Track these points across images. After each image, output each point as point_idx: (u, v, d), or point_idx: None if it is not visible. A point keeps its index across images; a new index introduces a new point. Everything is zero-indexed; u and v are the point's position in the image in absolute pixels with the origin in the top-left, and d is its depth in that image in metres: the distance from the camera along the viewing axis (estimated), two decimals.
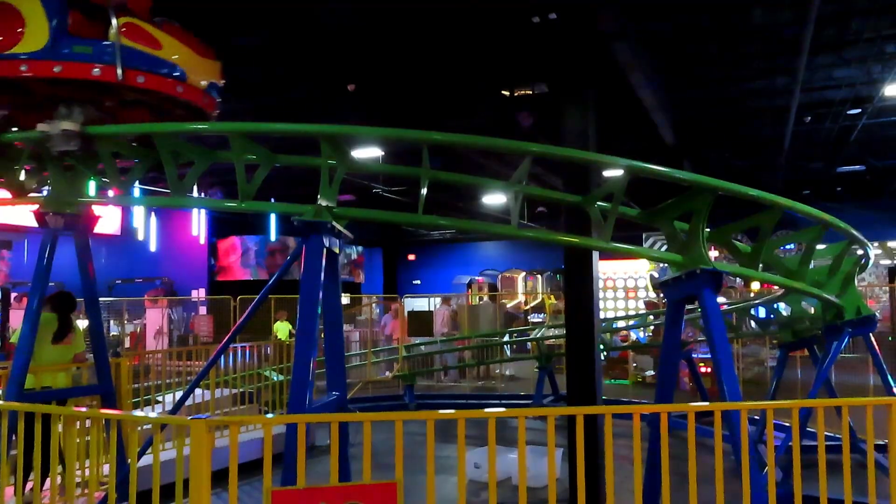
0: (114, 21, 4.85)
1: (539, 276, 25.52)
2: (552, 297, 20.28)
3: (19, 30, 4.81)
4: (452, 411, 3.58)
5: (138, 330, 17.67)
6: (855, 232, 6.09)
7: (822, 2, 7.97)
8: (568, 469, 6.48)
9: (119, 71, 4.80)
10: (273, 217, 22.31)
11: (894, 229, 21.41)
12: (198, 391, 7.41)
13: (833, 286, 6.49)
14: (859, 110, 13.32)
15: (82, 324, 7.07)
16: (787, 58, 10.29)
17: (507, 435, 7.45)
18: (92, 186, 6.72)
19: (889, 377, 6.64)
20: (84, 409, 5.31)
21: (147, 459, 4.38)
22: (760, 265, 5.50)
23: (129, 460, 3.93)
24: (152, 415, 5.54)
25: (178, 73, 5.12)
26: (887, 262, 20.96)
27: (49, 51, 4.78)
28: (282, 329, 14.61)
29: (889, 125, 14.64)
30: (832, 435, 6.51)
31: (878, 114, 13.56)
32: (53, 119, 4.98)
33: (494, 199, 18.81)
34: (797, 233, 6.21)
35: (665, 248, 5.61)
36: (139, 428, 5.52)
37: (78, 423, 4.34)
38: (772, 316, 8.75)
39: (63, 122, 4.94)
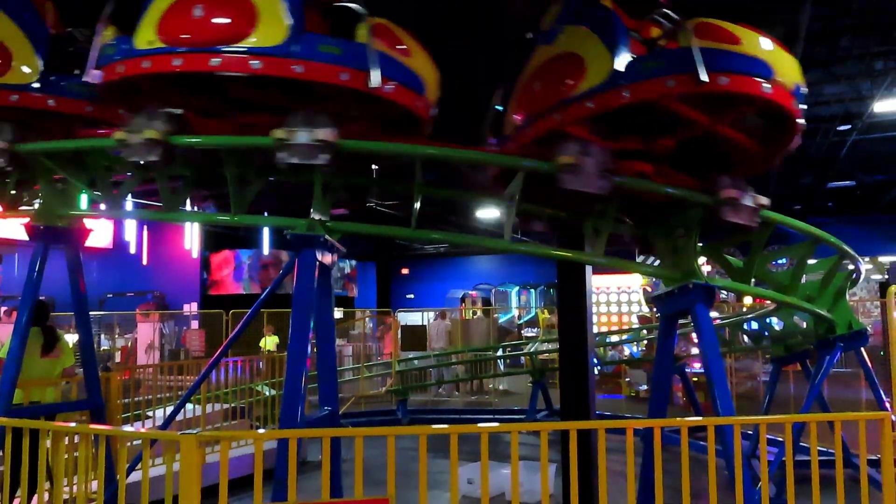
0: (687, 27, 4.11)
1: (533, 291, 25.54)
2: (546, 311, 20.28)
3: None
4: (445, 426, 3.56)
5: (129, 344, 17.54)
6: (846, 247, 6.13)
7: (811, 19, 8.07)
8: (561, 484, 6.47)
9: (702, 74, 3.89)
10: (266, 231, 22.28)
11: (885, 244, 21.55)
12: (189, 406, 7.35)
13: (824, 301, 6.52)
14: (849, 126, 13.44)
15: (72, 338, 7.02)
16: None
17: (501, 450, 7.41)
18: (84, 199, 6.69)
19: (881, 391, 6.65)
20: (73, 425, 5.26)
21: (136, 476, 4.33)
22: (752, 280, 5.52)
23: (118, 476, 3.89)
24: (142, 430, 5.50)
25: (765, 71, 4.13)
26: (878, 276, 21.08)
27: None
28: (269, 343, 14.58)
29: (879, 141, 14.78)
30: (825, 450, 6.51)
31: (867, 130, 13.69)
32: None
33: (488, 213, 18.85)
34: (789, 248, 6.24)
35: (658, 262, 5.63)
36: (129, 443, 5.46)
37: (66, 438, 4.30)
38: (766, 332, 8.77)
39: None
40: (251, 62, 3.98)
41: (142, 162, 4.55)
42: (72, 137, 5.42)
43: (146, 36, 4.16)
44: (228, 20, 4.06)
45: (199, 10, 4.08)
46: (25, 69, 4.96)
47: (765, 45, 4.25)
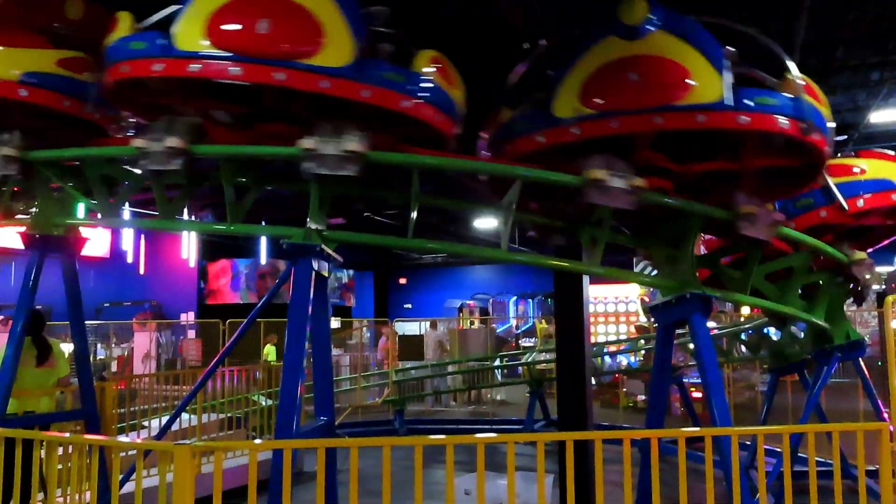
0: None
1: (530, 301, 25.51)
2: (544, 321, 20.24)
3: None
4: (441, 437, 3.55)
5: (126, 353, 17.48)
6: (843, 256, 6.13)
7: (807, 30, 8.11)
8: (559, 495, 6.43)
9: (844, 203, 5.74)
10: (263, 240, 22.25)
11: (882, 255, 21.54)
12: (185, 416, 7.31)
13: (822, 311, 6.50)
14: (845, 137, 13.48)
15: (68, 347, 6.98)
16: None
17: (498, 461, 7.37)
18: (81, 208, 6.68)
19: (879, 402, 6.63)
20: (66, 435, 5.23)
21: (130, 486, 4.30)
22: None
23: (112, 487, 3.86)
24: (137, 440, 5.46)
25: (891, 185, 5.91)
26: (876, 287, 21.05)
27: None
28: (272, 352, 14.52)
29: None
30: (823, 460, 6.48)
31: (864, 140, 13.73)
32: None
33: (486, 222, 18.85)
34: (786, 258, 6.24)
35: (655, 272, 5.62)
36: (123, 454, 5.42)
37: (60, 448, 4.26)
38: (763, 342, 8.75)
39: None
40: (697, 117, 4.36)
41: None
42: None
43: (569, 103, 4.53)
44: (673, 80, 4.43)
45: (631, 75, 4.47)
46: (339, 50, 4.09)
47: (884, 168, 5.98)
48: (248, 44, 4.00)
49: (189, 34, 4.05)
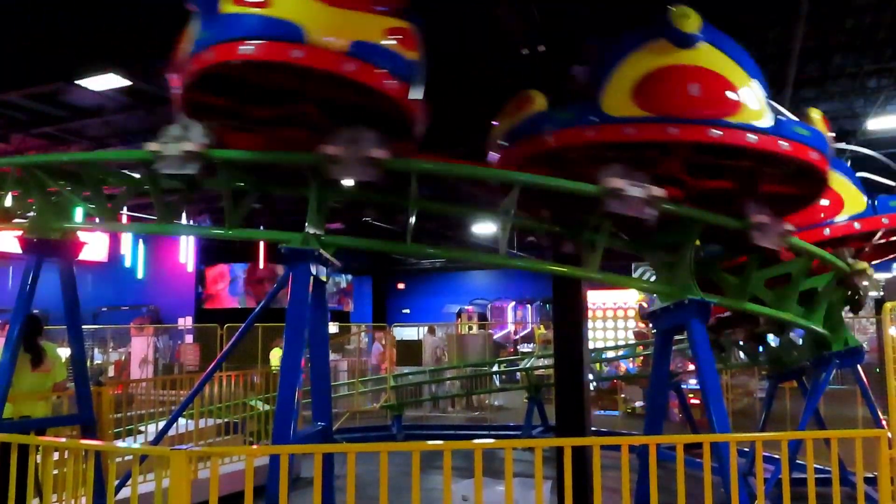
0: None
1: (529, 306, 25.51)
2: (542, 326, 20.21)
3: None
4: (439, 442, 3.54)
5: (123, 358, 17.45)
6: (841, 263, 6.13)
7: (805, 37, 8.14)
8: (556, 501, 6.41)
9: None
10: (261, 245, 22.25)
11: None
12: (181, 421, 7.29)
13: (820, 317, 6.50)
14: (843, 144, 13.51)
15: (65, 352, 6.96)
16: (771, 92, 10.46)
17: (496, 466, 7.36)
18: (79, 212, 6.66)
19: (877, 409, 6.62)
20: (62, 440, 5.21)
21: (126, 492, 4.28)
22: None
23: (108, 492, 3.84)
24: (133, 445, 5.45)
25: None
26: (874, 293, 21.04)
27: None
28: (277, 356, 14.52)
29: (872, 158, 14.82)
30: (821, 467, 6.47)
31: (861, 147, 13.77)
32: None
33: (484, 228, 18.86)
34: (784, 264, 6.24)
35: (653, 277, 5.62)
36: (119, 459, 5.40)
37: (56, 453, 4.25)
38: (761, 349, 8.73)
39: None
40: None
41: None
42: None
43: None
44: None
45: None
46: (754, 109, 4.39)
47: None
48: (679, 106, 4.31)
49: (617, 102, 4.36)
